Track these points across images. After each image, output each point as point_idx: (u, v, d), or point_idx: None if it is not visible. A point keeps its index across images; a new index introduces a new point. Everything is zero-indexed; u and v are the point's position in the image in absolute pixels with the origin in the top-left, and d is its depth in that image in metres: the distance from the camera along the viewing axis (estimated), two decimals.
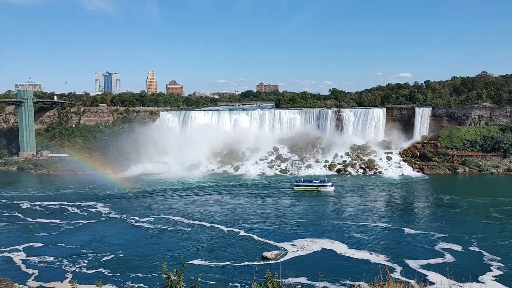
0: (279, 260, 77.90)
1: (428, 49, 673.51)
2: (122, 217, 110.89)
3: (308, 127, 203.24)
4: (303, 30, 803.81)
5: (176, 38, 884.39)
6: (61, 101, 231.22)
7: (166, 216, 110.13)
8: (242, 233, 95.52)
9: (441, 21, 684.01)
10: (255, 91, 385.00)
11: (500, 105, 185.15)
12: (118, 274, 74.29)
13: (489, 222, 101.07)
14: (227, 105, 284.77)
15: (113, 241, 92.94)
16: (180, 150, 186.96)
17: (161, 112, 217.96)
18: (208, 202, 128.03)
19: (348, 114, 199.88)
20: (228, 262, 78.21)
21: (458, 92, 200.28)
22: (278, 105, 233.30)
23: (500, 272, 70.30)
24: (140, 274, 73.88)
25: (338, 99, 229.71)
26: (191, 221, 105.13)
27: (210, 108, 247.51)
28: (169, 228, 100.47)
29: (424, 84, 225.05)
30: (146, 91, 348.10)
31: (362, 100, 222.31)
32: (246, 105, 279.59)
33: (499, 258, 75.80)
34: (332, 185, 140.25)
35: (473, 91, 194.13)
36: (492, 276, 68.65)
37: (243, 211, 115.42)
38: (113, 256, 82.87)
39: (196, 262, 78.16)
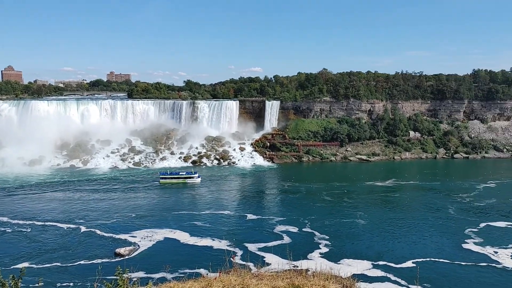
0: (132, 255, 77.06)
1: (276, 45, 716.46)
2: None
3: (163, 118, 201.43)
4: (155, 19, 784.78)
5: (12, 18, 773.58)
6: None
7: None
8: (84, 229, 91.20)
9: (287, 19, 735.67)
10: (105, 81, 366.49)
11: (338, 100, 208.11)
12: None
13: (321, 204, 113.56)
14: (74, 94, 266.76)
15: None
16: (19, 143, 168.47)
17: None
18: (50, 199, 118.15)
19: (203, 106, 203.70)
20: (75, 262, 74.04)
21: (303, 87, 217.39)
22: (130, 96, 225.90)
23: (327, 250, 79.83)
24: None
25: (192, 91, 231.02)
26: (30, 222, 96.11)
27: (54, 97, 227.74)
28: (7, 230, 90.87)
29: (273, 79, 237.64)
30: None
31: (216, 92, 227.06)
32: (96, 95, 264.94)
33: (327, 237, 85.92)
34: (198, 177, 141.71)
35: (315, 86, 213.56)
36: (319, 253, 77.67)
37: (89, 207, 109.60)
38: None
39: (39, 265, 72.30)
